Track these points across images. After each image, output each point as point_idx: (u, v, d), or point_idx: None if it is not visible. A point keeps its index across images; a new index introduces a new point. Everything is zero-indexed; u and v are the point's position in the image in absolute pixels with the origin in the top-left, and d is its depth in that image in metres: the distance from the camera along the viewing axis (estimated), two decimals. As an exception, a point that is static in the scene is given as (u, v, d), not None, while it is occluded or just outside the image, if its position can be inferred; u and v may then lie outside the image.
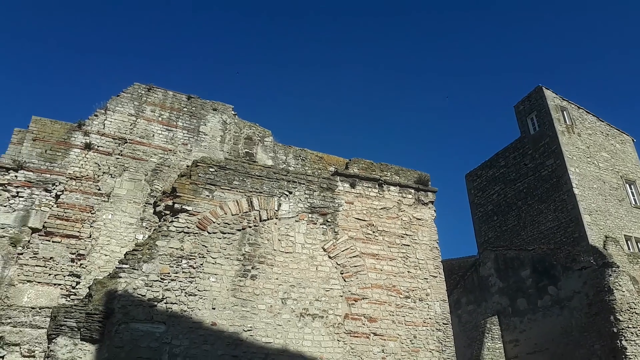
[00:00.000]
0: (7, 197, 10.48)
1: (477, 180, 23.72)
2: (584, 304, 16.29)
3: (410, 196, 11.02)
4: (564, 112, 20.94)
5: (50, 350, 7.25)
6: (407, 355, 9.32)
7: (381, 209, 10.59)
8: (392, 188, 10.92)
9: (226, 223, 9.02)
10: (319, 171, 13.52)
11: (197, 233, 8.68)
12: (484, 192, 23.08)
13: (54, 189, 10.84)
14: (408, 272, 10.13)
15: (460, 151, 61.49)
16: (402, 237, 10.47)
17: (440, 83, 63.30)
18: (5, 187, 10.53)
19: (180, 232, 8.54)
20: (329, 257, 9.64)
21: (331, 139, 58.25)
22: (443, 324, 9.92)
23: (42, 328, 9.45)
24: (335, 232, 9.91)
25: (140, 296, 7.78)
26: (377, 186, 10.80)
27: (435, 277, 10.35)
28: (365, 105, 62.76)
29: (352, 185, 10.58)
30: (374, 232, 10.25)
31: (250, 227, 9.22)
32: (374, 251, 10.06)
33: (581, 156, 19.82)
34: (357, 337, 9.08)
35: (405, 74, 63.88)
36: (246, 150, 13.60)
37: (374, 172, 10.95)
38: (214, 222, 8.90)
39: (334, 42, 61.32)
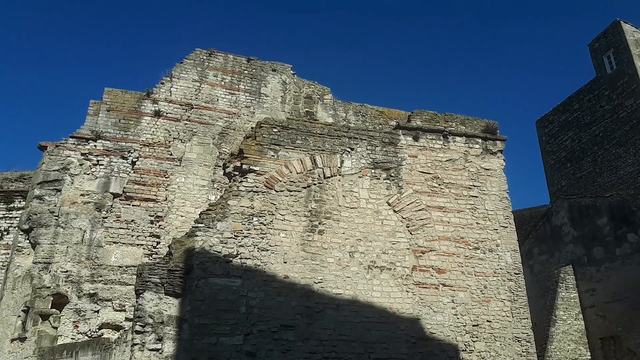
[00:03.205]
0: (89, 166, 11.26)
1: (548, 127, 22.54)
2: (668, 251, 15.38)
3: (477, 146, 10.71)
4: (646, 47, 19.20)
5: (139, 304, 7.87)
6: (478, 305, 9.31)
7: (447, 161, 10.38)
8: (457, 139, 10.64)
9: (292, 181, 9.23)
10: (380, 126, 13.39)
11: (265, 192, 8.96)
12: (556, 138, 21.93)
13: (129, 156, 11.50)
14: (477, 223, 9.98)
15: (529, 97, 58.41)
16: (470, 188, 10.26)
17: (505, 25, 59.69)
18: (87, 156, 11.30)
19: (249, 192, 8.85)
20: (394, 211, 9.66)
21: (392, 93, 57.06)
22: (515, 274, 9.77)
23: (130, 285, 10.28)
24: (399, 186, 9.87)
25: (216, 253, 8.23)
26: (441, 138, 10.55)
27: (506, 227, 10.13)
28: (426, 54, 60.59)
29: (415, 138, 10.41)
30: (439, 184, 10.12)
31: (314, 184, 9.38)
32: (440, 204, 9.96)
33: (665, 94, 18.22)
34: (426, 287, 9.16)
35: (465, 17, 60.70)
36: (306, 109, 13.67)
37: (438, 123, 10.69)
38: (280, 181, 9.14)
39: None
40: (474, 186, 10.30)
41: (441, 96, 57.23)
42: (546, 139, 22.55)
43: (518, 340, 9.31)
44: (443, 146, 10.50)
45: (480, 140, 10.76)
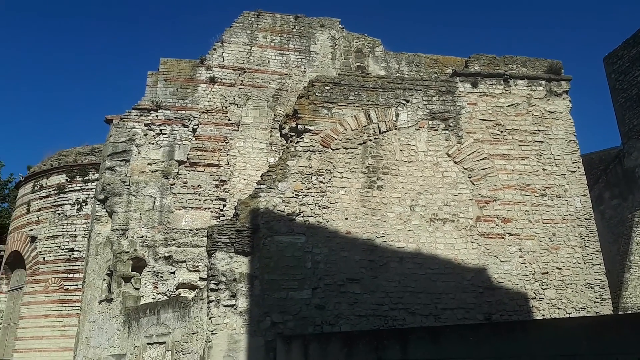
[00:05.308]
0: (153, 136, 11.74)
1: (617, 63, 20.95)
2: None
3: (540, 88, 10.18)
4: None
5: (212, 264, 8.29)
6: (547, 252, 9.10)
7: (508, 106, 9.97)
8: (519, 82, 10.15)
9: (347, 139, 9.22)
10: (436, 75, 12.98)
11: (321, 151, 9.02)
12: (627, 74, 20.39)
13: (190, 123, 11.86)
14: (543, 169, 9.62)
15: (595, 32, 54.26)
16: (534, 133, 9.84)
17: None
18: (150, 126, 11.76)
19: (306, 151, 8.94)
20: (455, 162, 9.47)
21: (446, 40, 54.76)
22: (585, 219, 9.42)
23: (201, 246, 10.82)
24: (459, 136, 9.63)
25: (280, 212, 8.47)
26: (502, 82, 10.10)
27: (574, 172, 9.71)
28: (479, -4, 57.24)
29: (474, 85, 10.03)
30: (501, 132, 9.77)
31: (370, 140, 9.32)
32: (503, 152, 9.65)
33: None
34: (491, 237, 9.04)
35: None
36: (357, 63, 13.43)
37: (497, 67, 10.21)
38: (335, 139, 9.15)
39: None
40: (539, 131, 9.88)
41: (500, 38, 54.36)
42: (615, 76, 21.02)
43: (591, 287, 9.08)
44: (504, 91, 10.07)
45: (543, 82, 10.22)
